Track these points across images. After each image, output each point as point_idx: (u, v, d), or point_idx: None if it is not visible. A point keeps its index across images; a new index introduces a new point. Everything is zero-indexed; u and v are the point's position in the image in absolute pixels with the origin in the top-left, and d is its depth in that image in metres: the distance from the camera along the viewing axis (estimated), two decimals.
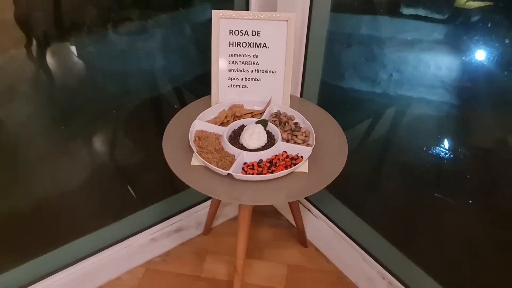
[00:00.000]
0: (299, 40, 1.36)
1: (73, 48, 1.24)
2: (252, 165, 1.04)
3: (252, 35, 1.17)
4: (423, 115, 1.23)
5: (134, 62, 1.36)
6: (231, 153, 1.07)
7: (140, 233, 1.58)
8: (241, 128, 1.16)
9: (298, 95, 1.48)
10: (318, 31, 1.36)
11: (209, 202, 1.64)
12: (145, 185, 1.57)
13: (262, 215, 1.74)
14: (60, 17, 1.20)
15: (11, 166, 1.23)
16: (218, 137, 1.12)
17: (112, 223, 1.52)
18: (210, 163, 1.02)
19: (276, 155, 1.07)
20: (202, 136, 1.12)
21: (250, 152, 1.06)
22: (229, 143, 1.08)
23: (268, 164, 1.05)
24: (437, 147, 1.20)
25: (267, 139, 1.11)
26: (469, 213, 1.18)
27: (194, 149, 1.06)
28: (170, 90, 1.47)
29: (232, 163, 1.03)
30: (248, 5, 1.35)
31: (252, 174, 1.01)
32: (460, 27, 1.07)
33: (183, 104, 1.35)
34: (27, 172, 1.26)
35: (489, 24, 0.99)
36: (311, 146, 1.08)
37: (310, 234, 1.65)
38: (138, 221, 1.59)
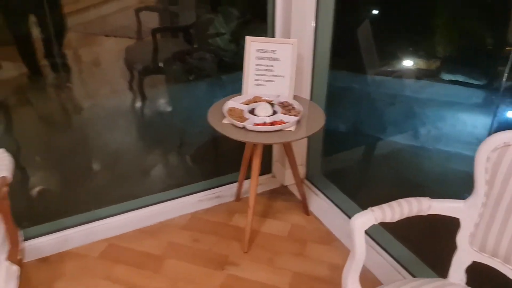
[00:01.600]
0: (307, 56, 2.03)
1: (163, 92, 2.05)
2: (259, 124, 1.70)
3: (270, 52, 1.88)
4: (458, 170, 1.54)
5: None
6: (248, 118, 1.74)
7: (192, 195, 2.25)
8: None
9: (309, 96, 2.12)
10: (321, 52, 2.04)
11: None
12: (201, 169, 2.28)
13: (279, 193, 2.34)
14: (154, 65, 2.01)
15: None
16: (241, 110, 1.80)
17: (177, 187, 2.25)
18: (233, 119, 1.69)
19: (275, 120, 1.72)
20: (232, 109, 1.80)
21: (259, 117, 1.72)
22: (247, 112, 1.75)
23: (269, 124, 1.70)
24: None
25: (272, 113, 1.76)
26: None
27: (226, 114, 1.75)
28: None
29: None
30: (274, 34, 2.08)
31: (258, 125, 1.67)
32: (495, 92, 1.37)
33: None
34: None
35: None
36: (297, 115, 1.72)
37: (312, 207, 2.22)
38: (193, 188, 2.28)
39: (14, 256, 1.43)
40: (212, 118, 1.80)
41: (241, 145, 2.15)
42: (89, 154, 2.16)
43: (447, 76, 1.62)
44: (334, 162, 2.44)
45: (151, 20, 2.40)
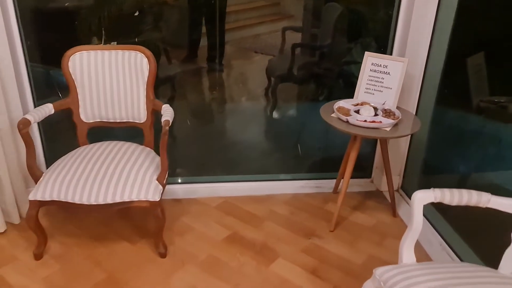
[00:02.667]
0: (418, 76, 2.31)
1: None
2: (360, 120, 2.04)
3: (383, 67, 2.22)
4: None
5: None
6: (352, 115, 2.09)
7: (298, 181, 2.67)
8: None
9: (414, 111, 2.39)
10: (432, 72, 2.31)
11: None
12: (310, 163, 2.70)
13: (374, 195, 2.61)
14: (289, 74, 2.50)
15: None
16: (348, 109, 2.16)
17: (287, 173, 2.72)
18: (339, 113, 2.07)
19: (374, 120, 2.05)
20: (341, 107, 2.18)
21: (362, 115, 2.07)
22: (353, 111, 2.11)
23: (369, 122, 2.03)
24: None
25: (374, 115, 2.09)
26: None
27: (335, 109, 2.13)
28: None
29: None
30: (391, 52, 2.41)
31: (359, 121, 2.02)
32: None
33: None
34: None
35: None
36: (395, 120, 2.02)
37: (400, 212, 2.44)
38: (299, 176, 2.70)
39: (162, 179, 2.00)
40: (323, 112, 2.20)
41: (344, 149, 2.51)
42: (226, 137, 2.75)
43: None
44: (431, 180, 2.62)
45: (294, 39, 2.92)
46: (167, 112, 2.04)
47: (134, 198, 1.91)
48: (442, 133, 2.48)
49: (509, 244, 1.49)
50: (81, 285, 1.90)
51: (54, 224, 2.29)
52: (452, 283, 1.39)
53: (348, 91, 2.44)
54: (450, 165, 2.53)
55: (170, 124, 1.95)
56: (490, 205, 1.49)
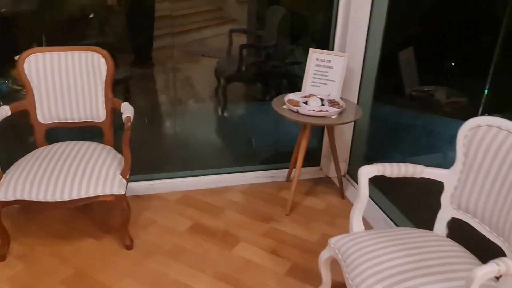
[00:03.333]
0: (357, 69, 2.55)
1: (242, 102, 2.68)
2: (309, 110, 2.24)
3: (326, 61, 2.43)
4: None
5: None
6: (301, 106, 2.28)
7: (253, 172, 2.83)
8: None
9: (355, 101, 2.62)
10: (369, 65, 2.56)
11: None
12: (263, 156, 2.86)
13: (323, 181, 2.83)
14: (237, 74, 2.65)
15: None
16: (298, 101, 2.35)
17: (243, 165, 2.85)
18: (290, 105, 2.25)
19: (321, 110, 2.25)
20: (290, 100, 2.37)
21: (310, 106, 2.26)
22: (302, 102, 2.30)
23: (317, 111, 2.23)
24: None
25: (321, 105, 2.30)
26: None
27: (285, 101, 2.31)
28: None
29: None
30: (334, 47, 2.64)
31: (308, 111, 2.21)
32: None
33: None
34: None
35: None
36: (340, 108, 2.24)
37: (348, 194, 2.67)
38: (254, 168, 2.86)
39: (125, 174, 2.08)
40: (275, 105, 2.38)
41: (292, 143, 2.70)
42: (181, 136, 2.85)
43: None
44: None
45: (240, 41, 3.08)
46: (127, 109, 2.12)
47: (99, 192, 1.97)
48: (380, 122, 2.74)
49: (439, 208, 1.73)
50: (48, 282, 1.94)
51: (16, 225, 2.28)
52: (396, 243, 1.61)
53: (293, 91, 2.62)
54: (388, 151, 2.80)
55: (131, 120, 2.03)
56: (423, 175, 1.73)
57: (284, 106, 2.34)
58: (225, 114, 3.20)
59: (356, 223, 1.75)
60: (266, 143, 3.08)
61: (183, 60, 3.00)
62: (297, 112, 2.25)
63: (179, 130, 2.93)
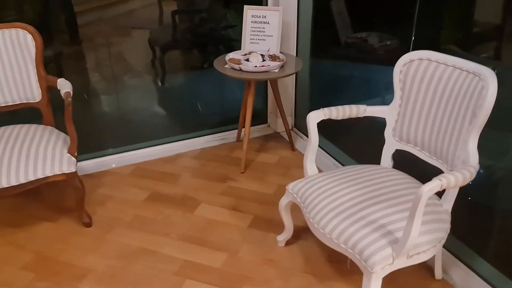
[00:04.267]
0: (293, 22, 2.60)
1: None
2: (252, 67, 2.27)
3: (262, 17, 2.45)
4: None
5: None
6: (243, 63, 2.30)
7: (202, 137, 2.84)
8: None
9: (295, 54, 2.68)
10: (304, 18, 2.61)
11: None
12: (211, 120, 2.88)
13: (272, 137, 2.91)
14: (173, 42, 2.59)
15: None
16: (239, 59, 2.37)
17: (191, 132, 2.84)
18: (232, 63, 2.27)
19: (263, 65, 2.29)
20: (232, 59, 2.38)
21: (252, 63, 2.29)
22: (243, 60, 2.32)
23: (259, 66, 2.26)
24: None
25: (262, 61, 2.33)
26: None
27: (227, 61, 2.32)
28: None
29: None
30: (267, 3, 2.65)
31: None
32: None
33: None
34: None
35: None
36: (280, 62, 2.28)
37: (297, 146, 2.77)
38: (203, 132, 2.86)
39: (73, 151, 2.01)
40: (217, 65, 2.38)
41: (236, 104, 2.74)
42: (124, 110, 2.78)
43: None
44: None
45: (171, 8, 3.00)
46: (65, 85, 2.03)
47: (48, 173, 1.91)
48: (320, 73, 2.83)
49: (382, 145, 1.86)
50: (9, 270, 1.87)
51: None
52: (349, 179, 1.71)
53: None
54: (330, 102, 2.91)
55: (71, 95, 1.96)
56: (366, 114, 1.83)
57: (226, 66, 2.35)
58: (166, 85, 3.14)
59: (310, 167, 1.83)
60: (211, 108, 3.09)
61: (114, 34, 2.88)
62: (240, 70, 2.27)
63: (122, 105, 2.85)
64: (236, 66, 2.27)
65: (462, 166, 1.45)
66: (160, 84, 3.09)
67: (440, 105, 1.62)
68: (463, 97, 1.53)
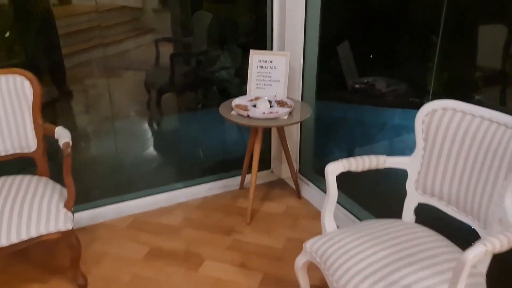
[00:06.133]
0: (298, 67, 2.54)
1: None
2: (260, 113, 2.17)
3: (268, 62, 2.38)
4: None
5: None
6: (250, 110, 2.21)
7: (204, 184, 2.70)
8: None
9: (300, 98, 2.61)
10: (309, 63, 2.55)
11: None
12: (212, 166, 2.75)
13: (277, 184, 2.78)
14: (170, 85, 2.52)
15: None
16: (246, 105, 2.27)
17: (192, 179, 2.71)
18: (239, 110, 2.17)
19: (272, 111, 2.19)
20: (238, 104, 2.28)
21: (260, 109, 2.20)
22: (250, 106, 2.23)
23: (268, 113, 2.17)
24: None
25: (270, 107, 2.24)
26: None
27: (233, 107, 2.22)
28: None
29: None
30: (272, 47, 2.59)
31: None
32: None
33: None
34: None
35: None
36: (289, 108, 2.20)
37: (304, 193, 2.64)
38: (205, 180, 2.73)
39: (70, 205, 1.86)
40: (223, 111, 2.28)
41: (244, 147, 2.65)
42: (119, 156, 2.64)
43: None
44: (323, 160, 2.89)
45: (165, 50, 2.95)
46: (63, 134, 1.89)
47: (43, 231, 1.74)
48: (326, 117, 2.75)
49: (405, 196, 1.75)
50: None
51: None
52: (372, 237, 1.58)
53: (225, 96, 2.55)
54: (336, 145, 2.82)
55: (70, 146, 1.82)
56: (387, 165, 1.73)
57: (233, 112, 2.25)
58: (163, 128, 3.03)
59: (328, 223, 1.70)
60: (212, 152, 2.98)
61: (107, 76, 2.80)
62: (248, 116, 2.18)
63: (117, 151, 2.72)
64: (244, 113, 2.17)
65: (504, 227, 1.34)
66: (156, 127, 2.98)
67: (468, 157, 1.53)
68: (495, 150, 1.44)
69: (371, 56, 2.43)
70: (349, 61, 2.61)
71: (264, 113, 2.19)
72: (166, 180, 2.68)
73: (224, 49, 3.13)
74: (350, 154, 2.76)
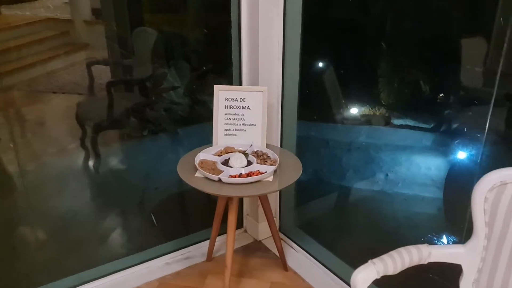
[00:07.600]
0: (276, 104, 1.98)
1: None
2: (235, 175, 1.58)
3: (240, 100, 1.81)
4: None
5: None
6: (222, 169, 1.62)
7: (159, 258, 2.06)
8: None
9: (279, 145, 2.05)
10: (289, 100, 2.00)
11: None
12: (167, 229, 2.14)
13: (253, 249, 2.19)
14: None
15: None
16: (214, 162, 1.68)
17: (140, 251, 2.06)
18: (205, 172, 1.57)
19: (251, 171, 1.62)
20: (203, 161, 1.68)
21: (234, 168, 1.61)
22: (220, 163, 1.64)
23: (245, 175, 1.59)
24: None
25: (247, 164, 1.66)
26: None
27: (198, 166, 1.62)
28: None
29: None
30: (241, 81, 2.01)
31: (234, 177, 1.55)
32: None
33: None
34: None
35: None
36: (274, 165, 1.63)
37: (290, 262, 2.08)
38: (159, 250, 2.09)
39: None
40: (182, 172, 1.66)
41: (209, 200, 2.06)
42: (37, 221, 1.93)
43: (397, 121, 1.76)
44: (307, 213, 2.34)
45: (104, 74, 2.30)
46: None
47: None
48: (309, 167, 2.21)
49: None
50: None
51: None
52: None
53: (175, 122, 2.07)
54: (320, 190, 2.30)
55: None
56: (432, 259, 1.21)
57: (197, 174, 1.64)
58: (101, 171, 2.35)
59: None
60: (165, 204, 2.32)
61: (29, 102, 2.08)
62: (220, 180, 1.58)
63: (34, 207, 1.98)
64: (214, 177, 1.57)
65: None
66: (92, 170, 2.29)
67: None
68: None
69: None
70: (336, 89, 2.10)
71: (240, 174, 1.60)
72: (105, 257, 2.00)
73: (170, 65, 2.53)
74: (337, 203, 2.24)
